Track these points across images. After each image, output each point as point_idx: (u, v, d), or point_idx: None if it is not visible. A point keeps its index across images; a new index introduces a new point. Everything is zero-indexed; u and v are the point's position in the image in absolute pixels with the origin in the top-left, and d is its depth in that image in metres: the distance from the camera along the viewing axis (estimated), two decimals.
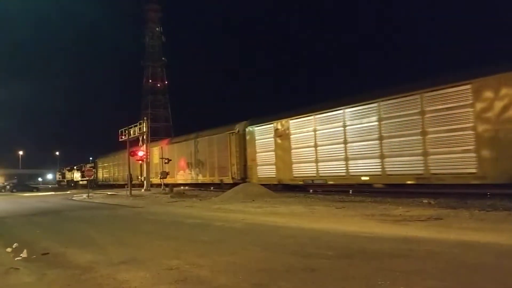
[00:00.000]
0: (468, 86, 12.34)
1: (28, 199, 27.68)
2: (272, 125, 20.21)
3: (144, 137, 29.83)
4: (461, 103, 12.44)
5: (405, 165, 14.00)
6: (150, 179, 30.40)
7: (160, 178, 28.03)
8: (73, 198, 27.41)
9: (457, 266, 4.71)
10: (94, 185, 44.38)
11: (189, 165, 27.48)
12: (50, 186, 64.85)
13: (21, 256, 6.38)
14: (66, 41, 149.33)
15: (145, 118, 33.74)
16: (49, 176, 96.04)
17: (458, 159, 12.43)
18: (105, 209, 16.77)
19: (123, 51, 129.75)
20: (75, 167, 58.91)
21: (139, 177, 33.29)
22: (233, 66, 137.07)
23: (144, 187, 29.09)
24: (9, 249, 7.06)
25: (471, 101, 12.24)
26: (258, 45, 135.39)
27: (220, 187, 23.70)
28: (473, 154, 12.09)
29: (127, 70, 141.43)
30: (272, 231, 8.15)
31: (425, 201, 11.93)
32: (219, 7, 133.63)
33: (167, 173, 28.03)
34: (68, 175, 62.83)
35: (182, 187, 28.13)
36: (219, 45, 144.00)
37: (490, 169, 11.73)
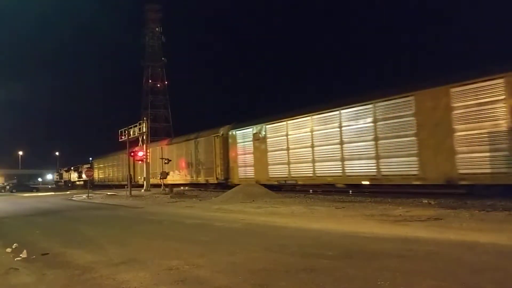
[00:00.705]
0: (411, 98, 13.85)
1: (28, 200, 27.68)
2: (251, 129, 21.76)
3: (144, 137, 29.81)
4: (407, 112, 13.95)
5: (361, 167, 15.61)
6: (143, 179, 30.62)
7: (160, 179, 28.04)
8: (73, 198, 27.41)
9: (457, 266, 4.71)
10: (90, 185, 44.17)
11: (179, 166, 28.70)
12: (50, 187, 65.03)
13: (20, 257, 6.38)
14: (66, 41, 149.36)
15: (144, 118, 33.73)
16: (49, 177, 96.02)
17: (404, 162, 14.03)
18: (105, 209, 16.77)
19: (123, 51, 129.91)
20: (72, 168, 60.09)
21: (139, 177, 33.31)
22: (233, 66, 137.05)
23: (144, 188, 29.08)
24: (9, 250, 7.05)
25: (414, 111, 13.71)
26: (258, 46, 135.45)
27: (207, 187, 25.00)
28: (416, 158, 13.64)
29: (127, 70, 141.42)
30: (272, 232, 8.15)
31: (425, 201, 11.94)
32: (219, 7, 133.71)
33: (167, 174, 28.02)
34: (65, 176, 64.19)
35: (182, 187, 28.15)
36: (219, 45, 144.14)
37: (429, 171, 13.27)
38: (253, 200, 15.41)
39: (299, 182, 18.71)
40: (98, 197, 26.88)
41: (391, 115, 14.46)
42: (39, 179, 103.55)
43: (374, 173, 15.02)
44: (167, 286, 4.42)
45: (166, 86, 77.11)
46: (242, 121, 23.29)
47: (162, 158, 28.77)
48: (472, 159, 12.14)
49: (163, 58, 76.48)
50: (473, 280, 4.18)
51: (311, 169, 17.76)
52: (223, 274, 4.82)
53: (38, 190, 48.16)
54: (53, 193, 40.81)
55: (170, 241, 7.51)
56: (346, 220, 9.22)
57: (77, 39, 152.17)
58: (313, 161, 17.65)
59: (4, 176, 79.28)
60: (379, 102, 14.96)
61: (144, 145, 29.50)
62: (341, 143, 16.37)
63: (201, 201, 17.72)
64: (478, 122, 12.06)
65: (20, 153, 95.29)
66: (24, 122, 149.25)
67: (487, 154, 11.82)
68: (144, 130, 29.65)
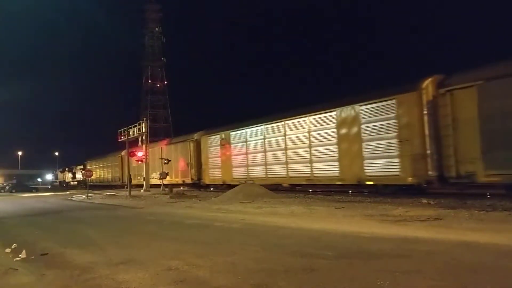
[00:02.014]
0: (334, 113, 16.65)
1: (27, 200, 27.67)
2: (218, 135, 24.51)
3: (144, 137, 29.80)
4: (331, 125, 16.76)
5: (300, 169, 18.25)
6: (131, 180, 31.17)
7: (160, 179, 28.07)
8: (72, 198, 27.41)
9: (456, 266, 4.71)
10: (83, 185, 47.37)
11: (165, 167, 30.45)
12: (49, 187, 65.21)
13: (20, 257, 6.37)
14: (65, 41, 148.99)
15: (144, 118, 33.68)
16: (48, 177, 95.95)
17: (329, 166, 16.79)
18: (104, 209, 16.77)
19: (122, 51, 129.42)
20: (66, 169, 62.86)
21: (138, 178, 33.36)
22: (232, 66, 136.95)
23: (144, 188, 29.08)
24: (8, 250, 7.05)
25: (335, 124, 16.54)
26: (257, 46, 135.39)
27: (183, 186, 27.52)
28: (337, 163, 16.43)
29: (127, 70, 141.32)
30: (271, 232, 8.14)
31: (424, 201, 11.93)
32: (218, 7, 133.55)
33: (167, 174, 28.05)
34: (60, 176, 66.75)
35: (181, 188, 28.18)
36: (219, 45, 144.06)
37: (346, 173, 16.07)
38: (253, 200, 15.41)
39: (256, 183, 20.39)
40: (98, 197, 26.87)
41: (320, 127, 17.28)
42: (39, 179, 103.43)
43: (309, 175, 17.71)
44: (166, 286, 4.42)
45: (165, 86, 77.10)
46: (212, 128, 26.15)
47: (162, 159, 28.81)
48: (375, 164, 14.89)
49: (162, 58, 76.44)
50: (473, 280, 4.18)
51: (264, 171, 20.60)
52: (222, 274, 4.81)
53: (37, 190, 48.13)
54: (52, 193, 40.80)
55: (169, 241, 7.51)
56: (346, 220, 9.22)
57: (76, 39, 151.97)
58: (266, 164, 20.51)
59: (3, 176, 79.21)
60: (312, 115, 17.79)
61: (144, 146, 29.50)
62: (286, 149, 19.12)
63: (201, 201, 17.71)
64: (379, 134, 14.78)
65: (20, 153, 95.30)
66: (23, 122, 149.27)
67: (385, 160, 14.53)
68: (143, 131, 29.63)
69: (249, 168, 21.65)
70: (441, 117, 12.71)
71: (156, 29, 76.36)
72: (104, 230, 9.94)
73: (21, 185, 51.90)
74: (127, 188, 25.25)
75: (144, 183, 29.59)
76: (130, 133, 30.24)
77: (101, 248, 7.00)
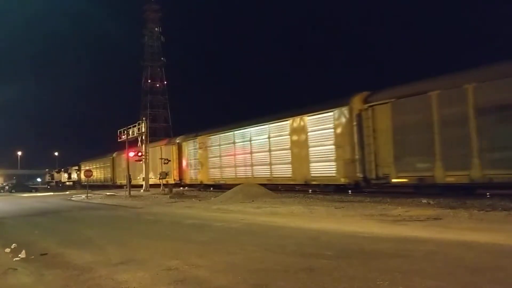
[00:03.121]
0: (287, 122, 18.96)
1: (27, 200, 27.67)
2: (197, 139, 26.67)
3: (143, 137, 29.79)
4: (285, 132, 19.02)
5: (262, 171, 20.66)
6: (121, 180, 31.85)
7: (160, 179, 28.09)
8: (72, 198, 27.41)
9: (456, 266, 4.71)
10: (77, 184, 51.25)
11: (153, 168, 31.97)
12: (48, 187, 65.54)
13: (19, 257, 6.37)
14: (64, 41, 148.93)
15: (144, 118, 33.66)
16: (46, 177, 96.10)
17: (284, 168, 19.12)
18: (104, 209, 16.77)
19: (122, 51, 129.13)
20: (62, 170, 65.59)
21: (138, 177, 33.44)
22: (231, 66, 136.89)
23: (143, 188, 29.08)
24: (7, 250, 7.05)
25: (289, 131, 18.84)
26: (256, 45, 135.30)
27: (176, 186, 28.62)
28: (290, 165, 18.68)
29: (127, 70, 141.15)
30: (271, 231, 8.14)
31: (424, 201, 11.91)
32: (218, 7, 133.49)
33: (166, 174, 28.11)
34: (56, 177, 69.23)
35: (181, 188, 28.18)
36: (218, 45, 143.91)
37: (297, 174, 18.34)
38: (253, 200, 15.41)
39: (228, 182, 22.80)
40: (97, 197, 26.86)
41: (277, 134, 19.65)
42: (38, 180, 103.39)
43: (269, 176, 20.20)
44: (166, 286, 4.42)
45: (165, 86, 77.01)
46: (192, 132, 28.33)
47: (161, 159, 28.85)
48: (318, 167, 17.14)
49: (162, 58, 76.39)
50: (472, 280, 4.18)
51: (234, 173, 22.73)
52: (222, 274, 4.81)
53: (37, 190, 48.12)
54: (52, 193, 40.80)
55: (169, 241, 7.51)
56: (345, 220, 9.22)
57: (76, 39, 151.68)
58: (235, 166, 22.60)
59: (3, 176, 79.21)
60: (271, 123, 20.12)
61: (143, 146, 29.50)
62: (251, 152, 21.36)
63: (201, 201, 17.72)
64: (321, 141, 17.06)
65: (19, 153, 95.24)
66: (23, 122, 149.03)
67: (325, 163, 16.75)
68: (143, 130, 29.62)
69: (222, 169, 23.92)
70: (365, 128, 14.94)
71: (156, 29, 76.30)
72: (104, 230, 9.94)
73: (21, 185, 51.95)
74: (126, 188, 25.24)
75: (143, 183, 29.60)
76: (130, 133, 30.23)
77: (101, 248, 7.00)
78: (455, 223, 7.94)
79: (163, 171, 28.22)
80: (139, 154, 28.79)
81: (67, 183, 60.55)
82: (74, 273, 5.20)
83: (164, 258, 5.81)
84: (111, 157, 41.87)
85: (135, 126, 30.27)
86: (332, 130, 16.44)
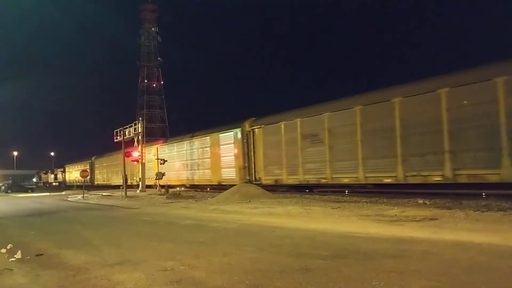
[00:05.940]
0: (207, 137, 24.90)
1: (23, 200, 27.54)
2: (175, 144, 29.66)
3: (139, 137, 29.73)
4: (207, 145, 24.94)
5: (196, 175, 26.18)
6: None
7: (156, 179, 28.00)
8: (68, 199, 27.31)
9: (451, 267, 4.73)
10: (63, 185, 56.90)
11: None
12: (35, 187, 65.81)
13: (15, 257, 6.34)
14: (61, 41, 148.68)
15: (140, 118, 33.61)
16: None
17: (205, 173, 25.20)
18: (100, 210, 16.71)
19: (118, 51, 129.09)
20: (49, 171, 70.11)
21: (135, 178, 33.40)
22: (230, 66, 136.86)
23: (139, 188, 29.02)
24: (3, 250, 7.00)
25: (209, 144, 24.64)
26: (255, 46, 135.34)
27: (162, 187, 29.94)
28: (209, 171, 24.68)
29: (123, 70, 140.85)
30: (267, 232, 8.14)
31: (420, 201, 11.96)
32: (216, 7, 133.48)
33: (163, 174, 27.95)
34: (44, 178, 73.34)
35: (178, 188, 28.14)
36: (215, 45, 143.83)
37: (214, 178, 24.19)
38: (250, 201, 15.41)
39: (195, 183, 27.09)
40: (94, 197, 26.78)
41: (201, 146, 25.63)
42: (34, 180, 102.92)
43: (192, 179, 26.55)
44: (162, 287, 4.41)
45: (161, 86, 77.04)
46: (171, 138, 32.76)
47: (158, 159, 28.76)
48: (226, 172, 22.95)
49: (159, 58, 76.37)
50: (468, 280, 4.19)
51: (185, 175, 27.77)
52: (218, 274, 4.81)
53: (33, 190, 47.92)
54: (48, 193, 40.64)
55: (165, 241, 7.49)
56: (342, 220, 9.24)
57: (73, 39, 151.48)
58: (186, 170, 27.66)
59: None
60: (197, 138, 26.12)
61: (140, 146, 29.43)
62: (191, 159, 26.98)
63: (197, 201, 17.69)
64: (228, 153, 23.03)
65: (15, 153, 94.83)
66: (19, 122, 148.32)
67: (230, 169, 22.70)
68: (139, 131, 29.57)
69: (177, 172, 28.70)
70: (249, 145, 21.01)
71: (153, 29, 76.34)
72: (100, 230, 9.90)
73: (17, 186, 51.64)
74: (122, 188, 25.19)
75: (140, 183, 29.53)
76: (126, 133, 30.17)
77: (97, 248, 6.98)
78: (451, 223, 7.97)
79: (159, 171, 28.13)
80: (138, 155, 28.72)
81: (54, 183, 64.98)
82: (70, 273, 5.18)
83: (160, 258, 5.79)
84: (90, 161, 49.13)
85: (131, 126, 30.22)
86: (233, 145, 22.29)
